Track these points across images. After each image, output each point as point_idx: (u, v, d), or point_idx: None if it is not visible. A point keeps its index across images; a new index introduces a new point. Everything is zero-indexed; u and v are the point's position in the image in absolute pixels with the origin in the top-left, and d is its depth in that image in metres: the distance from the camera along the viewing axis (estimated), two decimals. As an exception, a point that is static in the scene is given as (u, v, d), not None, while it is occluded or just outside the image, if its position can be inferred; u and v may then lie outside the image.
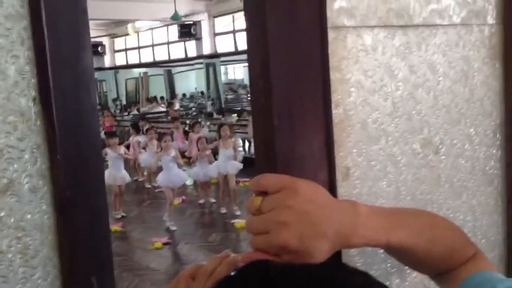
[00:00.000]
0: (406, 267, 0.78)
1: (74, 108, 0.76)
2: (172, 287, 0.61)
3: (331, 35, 0.73)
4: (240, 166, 7.42)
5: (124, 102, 18.00)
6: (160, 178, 7.08)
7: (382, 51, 0.79)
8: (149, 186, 9.01)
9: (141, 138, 9.40)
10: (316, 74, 0.71)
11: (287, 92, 0.70)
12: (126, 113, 16.35)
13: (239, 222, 6.66)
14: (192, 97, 17.92)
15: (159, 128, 10.94)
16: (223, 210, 7.25)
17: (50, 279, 0.72)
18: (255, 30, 0.70)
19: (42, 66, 0.71)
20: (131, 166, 9.23)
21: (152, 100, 16.87)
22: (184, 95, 18.20)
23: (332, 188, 0.73)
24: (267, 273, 0.45)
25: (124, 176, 7.52)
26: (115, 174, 7.27)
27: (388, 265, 0.80)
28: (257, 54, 0.71)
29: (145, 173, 9.42)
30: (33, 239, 0.70)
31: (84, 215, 0.76)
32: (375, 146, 0.80)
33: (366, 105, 0.78)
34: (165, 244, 6.29)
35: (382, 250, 0.72)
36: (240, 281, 0.46)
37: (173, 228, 6.76)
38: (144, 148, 8.99)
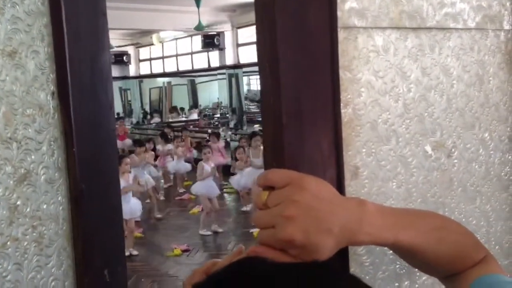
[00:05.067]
0: (416, 269, 0.77)
1: (91, 104, 0.78)
2: (187, 282, 0.62)
3: (341, 35, 0.74)
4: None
5: (148, 111, 18.24)
6: (196, 187, 7.19)
7: (393, 52, 0.80)
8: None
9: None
10: (326, 73, 0.72)
11: (296, 90, 0.71)
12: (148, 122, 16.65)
13: (257, 231, 6.64)
14: (213, 105, 18.08)
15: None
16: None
17: (64, 268, 0.74)
18: (265, 29, 0.71)
19: (61, 62, 0.73)
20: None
21: (173, 110, 17.13)
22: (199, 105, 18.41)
23: (340, 187, 0.73)
24: (255, 272, 0.45)
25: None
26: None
27: (397, 266, 0.80)
28: (266, 53, 0.72)
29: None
30: (48, 228, 0.72)
31: (98, 209, 0.77)
32: (385, 146, 0.80)
33: (376, 105, 0.78)
34: (184, 251, 6.31)
35: (391, 251, 0.72)
36: (226, 280, 0.46)
37: (207, 233, 6.91)
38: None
